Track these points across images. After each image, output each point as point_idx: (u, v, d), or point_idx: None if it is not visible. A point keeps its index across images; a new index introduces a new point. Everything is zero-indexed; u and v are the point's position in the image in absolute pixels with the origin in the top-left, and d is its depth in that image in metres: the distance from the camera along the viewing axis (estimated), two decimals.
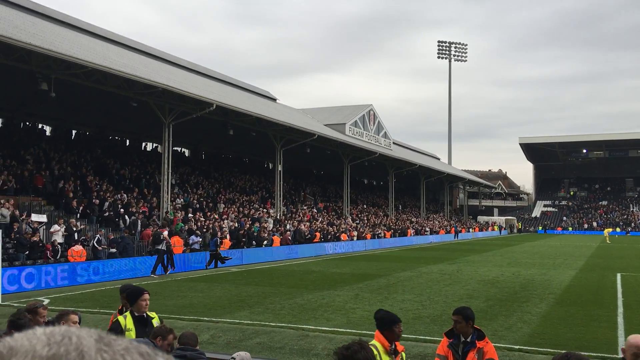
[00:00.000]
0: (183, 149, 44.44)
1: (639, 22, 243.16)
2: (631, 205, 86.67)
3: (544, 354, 8.93)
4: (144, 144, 41.11)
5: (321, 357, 8.71)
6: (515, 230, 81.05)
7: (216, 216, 29.74)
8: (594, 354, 8.90)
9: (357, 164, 49.21)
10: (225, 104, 28.61)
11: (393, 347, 4.74)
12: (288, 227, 33.73)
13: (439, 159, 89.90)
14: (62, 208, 23.16)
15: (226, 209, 32.46)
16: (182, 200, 30.08)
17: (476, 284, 18.16)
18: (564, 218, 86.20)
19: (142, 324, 5.33)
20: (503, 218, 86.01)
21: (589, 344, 9.66)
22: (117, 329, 5.15)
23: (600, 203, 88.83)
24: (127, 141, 39.13)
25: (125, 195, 26.55)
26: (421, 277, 20.23)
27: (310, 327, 10.91)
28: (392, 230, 46.62)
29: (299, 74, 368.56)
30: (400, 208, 62.17)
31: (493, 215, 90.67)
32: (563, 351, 8.92)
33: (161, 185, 27.06)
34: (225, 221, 29.31)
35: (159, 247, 20.96)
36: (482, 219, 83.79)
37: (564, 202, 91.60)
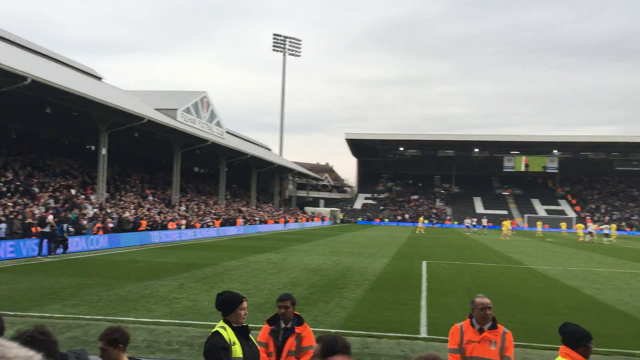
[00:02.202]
0: None
1: (451, 33, 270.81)
2: (437, 200, 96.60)
3: (357, 336, 9.63)
4: None
5: (140, 349, 8.45)
6: (338, 221, 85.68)
7: (27, 201, 27.05)
8: (400, 335, 9.84)
9: (189, 152, 48.14)
10: (43, 79, 26.10)
11: None
12: (111, 214, 31.88)
13: (270, 150, 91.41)
14: None
15: (40, 193, 29.68)
16: None
17: (300, 272, 18.91)
18: (383, 206, 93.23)
19: (244, 336, 4.54)
20: (328, 209, 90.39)
21: (396, 325, 10.63)
22: (221, 342, 4.34)
23: (412, 197, 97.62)
24: None
25: None
26: (248, 266, 20.52)
27: (130, 319, 10.51)
28: (222, 220, 46.48)
29: (128, 53, 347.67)
30: (230, 197, 62.16)
31: (319, 207, 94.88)
32: (376, 333, 9.64)
33: None
34: (37, 206, 26.80)
35: (45, 229, 22.40)
36: (309, 209, 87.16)
37: (382, 196, 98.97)
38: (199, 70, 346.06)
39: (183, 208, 44.00)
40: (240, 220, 49.68)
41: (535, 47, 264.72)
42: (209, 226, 42.51)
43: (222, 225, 45.14)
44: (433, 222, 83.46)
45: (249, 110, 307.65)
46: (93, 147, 46.69)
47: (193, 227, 39.69)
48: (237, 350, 4.34)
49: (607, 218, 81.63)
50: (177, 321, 10.42)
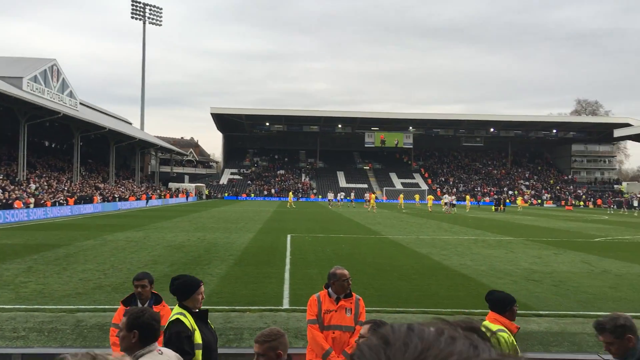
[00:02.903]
0: None
1: (316, 10, 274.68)
2: (303, 174, 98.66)
3: (220, 311, 9.64)
4: None
5: None
6: (204, 197, 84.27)
7: None
8: (263, 307, 10.01)
9: (37, 124, 44.28)
10: None
11: None
12: None
13: (131, 124, 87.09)
14: None
15: None
16: None
17: (163, 249, 18.40)
18: (250, 181, 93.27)
19: (203, 321, 4.30)
20: (193, 185, 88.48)
21: (259, 298, 10.78)
22: (184, 331, 4.04)
23: (278, 172, 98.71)
24: None
25: None
26: (106, 245, 19.55)
27: None
28: (77, 197, 43.57)
29: None
30: (86, 173, 58.37)
31: (184, 182, 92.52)
32: (239, 307, 9.71)
33: None
34: None
35: None
36: (173, 185, 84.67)
37: (248, 171, 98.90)
38: (48, 36, 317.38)
39: (33, 186, 40.54)
40: (97, 198, 46.95)
41: (394, 28, 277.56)
42: (61, 204, 39.65)
43: (76, 203, 42.34)
44: (299, 196, 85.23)
45: (107, 82, 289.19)
46: None
47: (44, 205, 36.79)
48: (197, 336, 4.17)
49: (454, 190, 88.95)
50: (23, 306, 9.68)
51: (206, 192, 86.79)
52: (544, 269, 15.34)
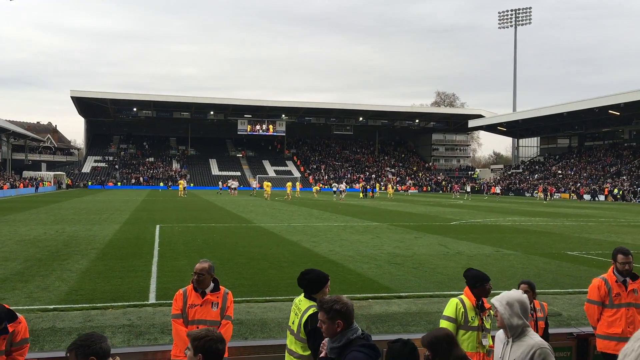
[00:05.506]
0: None
1: None
2: (173, 162, 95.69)
3: (79, 309, 9.09)
4: None
5: None
6: (64, 186, 78.73)
7: None
8: (127, 303, 9.58)
9: None
10: None
11: (480, 303, 5.03)
12: None
13: None
14: None
15: None
16: None
17: (15, 244, 16.94)
18: (116, 169, 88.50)
19: None
20: (52, 173, 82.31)
21: (123, 294, 10.31)
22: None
23: (147, 159, 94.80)
24: None
25: None
26: None
27: None
28: None
29: None
30: None
31: (41, 170, 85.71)
32: (101, 304, 9.23)
33: None
34: None
35: None
36: (28, 174, 78.15)
37: (114, 158, 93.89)
38: None
39: None
40: None
41: (265, 13, 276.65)
42: None
43: None
44: (169, 185, 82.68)
45: None
46: None
47: None
48: None
49: (326, 177, 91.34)
50: None
51: (67, 181, 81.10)
52: (406, 253, 16.30)
